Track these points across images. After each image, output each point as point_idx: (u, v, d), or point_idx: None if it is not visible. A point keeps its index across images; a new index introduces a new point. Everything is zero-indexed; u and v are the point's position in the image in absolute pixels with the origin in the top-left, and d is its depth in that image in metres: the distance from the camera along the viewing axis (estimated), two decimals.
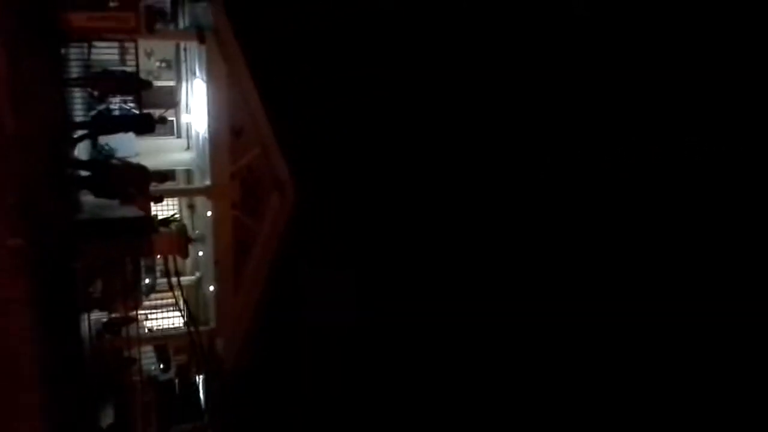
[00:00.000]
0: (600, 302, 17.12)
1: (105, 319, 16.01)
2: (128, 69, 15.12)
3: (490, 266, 18.16)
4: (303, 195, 15.86)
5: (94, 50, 14.47)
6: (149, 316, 18.18)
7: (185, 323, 16.55)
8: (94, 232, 12.44)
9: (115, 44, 14.94)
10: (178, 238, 14.03)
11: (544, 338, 18.09)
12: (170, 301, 17.32)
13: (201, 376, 18.09)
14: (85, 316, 14.84)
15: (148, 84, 15.19)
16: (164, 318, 18.14)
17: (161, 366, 17.69)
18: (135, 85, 14.58)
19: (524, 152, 17.78)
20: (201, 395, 18.16)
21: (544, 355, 18.30)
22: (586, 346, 17.95)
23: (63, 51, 13.36)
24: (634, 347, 17.92)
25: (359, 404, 18.33)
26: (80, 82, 14.15)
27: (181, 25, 17.73)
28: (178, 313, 17.25)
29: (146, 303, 17.87)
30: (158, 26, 15.54)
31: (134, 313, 16.05)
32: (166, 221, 14.59)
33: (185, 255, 15.37)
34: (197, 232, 17.56)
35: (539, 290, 17.82)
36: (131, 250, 13.46)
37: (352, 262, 17.31)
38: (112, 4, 14.42)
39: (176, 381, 17.93)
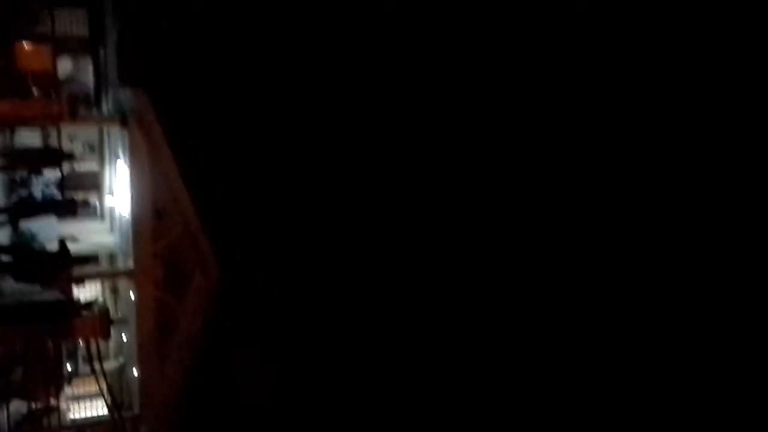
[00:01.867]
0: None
1: (25, 409, 15.65)
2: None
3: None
4: (226, 273, 16.01)
5: (16, 136, 14.60)
6: (71, 404, 17.77)
7: (109, 410, 16.25)
8: (14, 316, 12.33)
9: (38, 129, 15.09)
10: (101, 320, 13.95)
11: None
12: (93, 388, 17.02)
13: None
14: (4, 405, 14.54)
15: (69, 155, 15.36)
16: (87, 406, 17.75)
17: None
18: (57, 157, 14.72)
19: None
20: None
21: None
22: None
23: None
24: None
25: None
26: (3, 166, 14.24)
27: (104, 109, 18.08)
28: (101, 401, 16.92)
29: (68, 390, 17.56)
30: (82, 112, 15.84)
31: (56, 401, 15.74)
32: (89, 304, 14.52)
33: (107, 337, 15.24)
34: (120, 314, 17.42)
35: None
36: (53, 334, 13.34)
37: (276, 342, 17.36)
38: (35, 92, 14.66)
39: None
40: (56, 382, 15.49)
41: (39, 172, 15.05)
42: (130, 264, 16.49)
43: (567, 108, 17.50)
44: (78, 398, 17.78)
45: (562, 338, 17.85)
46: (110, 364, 17.78)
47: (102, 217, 19.05)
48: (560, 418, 17.91)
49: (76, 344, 16.62)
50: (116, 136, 17.48)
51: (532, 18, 17.35)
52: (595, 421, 17.65)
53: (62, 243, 13.84)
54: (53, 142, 15.61)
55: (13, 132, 14.44)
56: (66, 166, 16.23)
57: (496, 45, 17.46)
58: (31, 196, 14.76)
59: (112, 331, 16.74)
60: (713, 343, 16.97)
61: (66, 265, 13.58)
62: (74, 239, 14.94)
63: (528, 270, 17.81)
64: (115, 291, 18.48)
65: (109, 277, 18.15)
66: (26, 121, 14.24)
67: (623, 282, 17.39)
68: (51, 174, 15.49)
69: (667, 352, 17.45)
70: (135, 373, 16.87)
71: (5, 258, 13.37)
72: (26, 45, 14.82)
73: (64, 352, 16.35)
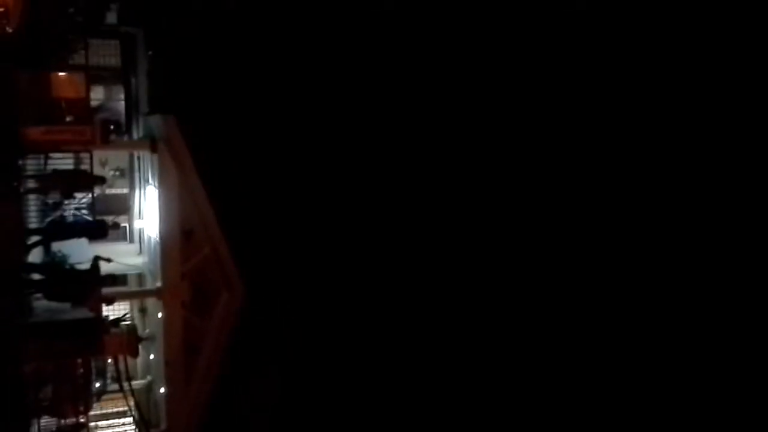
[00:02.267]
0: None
1: (54, 426, 16.04)
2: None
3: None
4: (252, 293, 16.39)
5: (50, 161, 15.18)
6: (100, 422, 18.17)
7: (137, 426, 16.65)
8: (46, 333, 12.81)
9: (71, 155, 15.66)
10: (129, 337, 14.40)
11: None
12: (121, 405, 17.43)
13: None
14: (35, 422, 14.95)
15: (100, 179, 15.88)
16: (115, 423, 18.16)
17: None
18: (89, 180, 15.24)
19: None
20: None
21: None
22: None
23: (20, 162, 14.07)
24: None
25: None
26: (36, 189, 14.81)
27: (135, 135, 18.70)
28: (129, 417, 17.32)
29: (97, 408, 17.96)
30: (113, 137, 16.43)
31: (84, 418, 16.13)
32: (117, 322, 14.98)
33: (136, 354, 15.68)
34: (147, 331, 17.87)
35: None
36: (83, 351, 13.79)
37: (300, 361, 17.62)
38: (68, 118, 15.26)
39: None
40: (85, 399, 15.85)
41: (71, 196, 15.58)
42: (159, 284, 16.96)
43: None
44: (106, 415, 18.18)
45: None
46: (138, 383, 18.21)
47: (131, 239, 19.58)
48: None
49: (105, 362, 17.03)
50: (146, 161, 18.06)
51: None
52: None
53: (95, 262, 14.32)
54: (85, 166, 16.18)
55: (47, 157, 15.02)
56: (97, 190, 16.77)
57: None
58: (63, 218, 15.30)
59: (141, 350, 17.24)
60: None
61: (96, 285, 14.02)
62: (109, 260, 15.37)
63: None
64: (143, 310, 18.94)
65: (138, 296, 18.63)
66: (59, 147, 14.83)
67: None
68: (83, 197, 16.02)
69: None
70: (162, 390, 17.27)
71: (38, 277, 13.91)
72: (61, 74, 15.49)
73: (93, 370, 16.73)
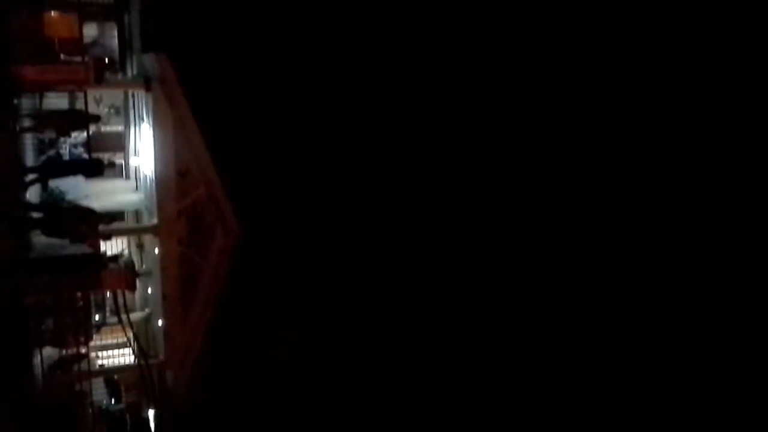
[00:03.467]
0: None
1: (57, 357, 16.65)
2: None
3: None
4: (246, 230, 16.73)
5: (45, 100, 15.34)
6: (100, 352, 18.81)
7: (136, 357, 17.26)
8: (46, 269, 13.24)
9: (65, 94, 15.81)
10: (126, 272, 14.83)
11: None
12: (120, 337, 18.02)
13: (152, 411, 18.68)
14: (38, 352, 15.54)
15: (95, 117, 16.07)
16: (115, 353, 18.80)
17: (112, 399, 18.34)
18: (83, 118, 15.45)
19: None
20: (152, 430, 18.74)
21: None
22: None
23: (15, 101, 14.24)
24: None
25: None
26: (32, 127, 15.03)
27: (129, 73, 18.76)
28: (128, 349, 17.93)
29: (97, 340, 18.58)
30: (107, 76, 16.52)
31: (85, 349, 16.73)
32: (115, 257, 15.40)
33: (133, 288, 16.14)
34: (145, 266, 18.33)
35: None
36: (81, 285, 14.25)
37: (295, 298, 18.04)
38: (62, 57, 15.35)
39: (127, 415, 18.57)
40: (85, 331, 16.41)
41: (67, 134, 15.78)
42: (155, 221, 17.33)
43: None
44: (106, 347, 18.82)
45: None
46: (137, 315, 18.78)
47: (127, 176, 19.87)
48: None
49: (104, 296, 17.54)
50: (140, 99, 18.19)
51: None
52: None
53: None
54: (80, 105, 16.34)
55: (41, 96, 15.17)
56: (92, 128, 16.96)
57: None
58: (59, 156, 15.58)
59: (138, 284, 17.71)
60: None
61: (93, 221, 14.36)
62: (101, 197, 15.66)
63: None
64: (140, 246, 19.36)
65: (135, 233, 19.02)
66: (54, 86, 14.97)
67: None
68: (78, 135, 16.23)
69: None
70: (160, 323, 17.83)
71: (36, 215, 14.26)
72: (53, 13, 15.49)
73: (93, 304, 17.26)
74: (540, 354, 18.37)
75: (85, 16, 17.10)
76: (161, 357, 17.96)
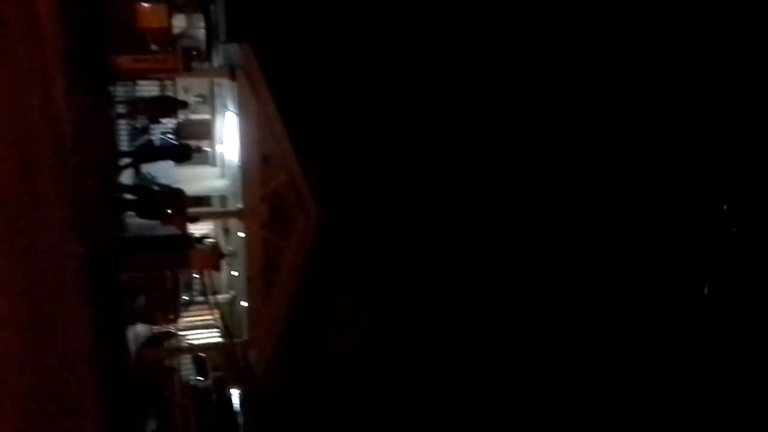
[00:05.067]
0: None
1: (148, 333, 17.49)
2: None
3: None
4: (326, 216, 17.20)
5: (137, 88, 16.11)
6: (188, 331, 19.60)
7: (221, 336, 17.98)
8: (138, 248, 13.99)
9: (156, 82, 16.55)
10: (212, 253, 15.47)
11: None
12: (208, 317, 18.78)
13: (237, 391, 19.36)
14: (131, 328, 16.37)
15: (184, 104, 16.78)
16: (202, 332, 19.58)
17: (199, 376, 19.12)
18: (173, 106, 16.16)
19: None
20: (236, 410, 19.42)
21: None
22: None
23: (111, 90, 15.04)
24: None
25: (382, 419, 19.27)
26: (125, 114, 15.83)
27: (215, 63, 19.42)
28: (215, 328, 18.66)
29: (185, 318, 19.37)
30: (194, 65, 17.21)
31: (174, 326, 17.53)
32: (201, 239, 16.07)
33: (218, 268, 16.81)
34: (230, 249, 19.00)
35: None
36: (171, 264, 14.97)
37: (373, 280, 18.43)
38: (153, 47, 16.07)
39: (213, 392, 19.33)
40: (174, 308, 17.19)
41: (157, 121, 16.53)
42: (239, 206, 17.96)
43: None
44: (194, 326, 19.60)
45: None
46: (223, 297, 19.51)
47: (214, 162, 20.58)
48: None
49: (192, 276, 18.29)
50: (226, 88, 18.82)
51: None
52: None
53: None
54: (170, 92, 17.08)
55: (134, 84, 15.95)
56: (181, 115, 17.69)
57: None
58: (150, 142, 16.30)
59: (224, 267, 18.41)
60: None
61: (182, 204, 15.05)
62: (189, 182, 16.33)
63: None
64: (226, 230, 20.07)
65: (221, 217, 19.73)
66: (145, 74, 15.73)
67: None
68: (168, 122, 16.97)
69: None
70: (244, 304, 18.49)
71: (130, 197, 15.05)
72: (145, 5, 16.23)
73: (182, 284, 18.03)
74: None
75: (174, 8, 17.81)
76: (245, 337, 18.61)
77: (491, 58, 18.47)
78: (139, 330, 17.04)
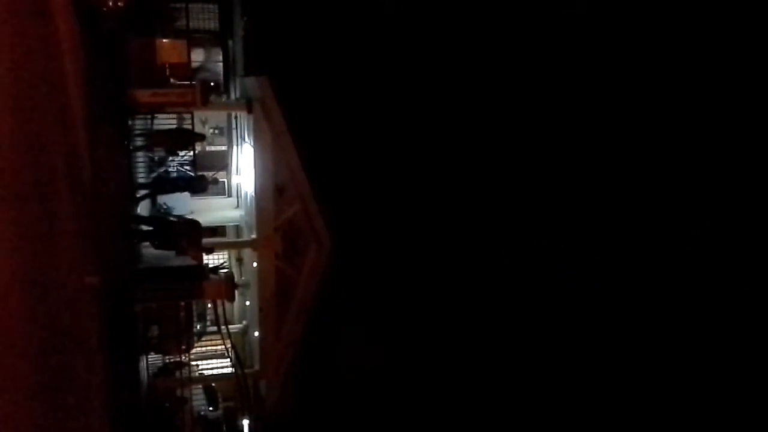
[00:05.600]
0: None
1: (160, 362, 17.63)
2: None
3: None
4: (339, 246, 17.32)
5: (155, 121, 16.43)
6: (200, 361, 19.73)
7: (233, 366, 18.06)
8: (153, 278, 14.15)
9: (174, 115, 16.87)
10: (226, 283, 15.60)
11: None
12: (220, 347, 18.89)
13: (247, 421, 19.39)
14: (144, 358, 16.52)
15: (201, 136, 17.07)
16: (214, 362, 19.71)
17: (210, 406, 19.19)
18: (190, 138, 16.46)
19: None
20: None
21: None
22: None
23: (129, 122, 15.35)
24: None
25: None
26: (143, 146, 16.12)
27: (232, 95, 19.80)
28: (226, 359, 18.76)
29: (198, 348, 19.50)
30: (212, 98, 17.53)
31: (186, 356, 17.64)
32: (216, 269, 16.23)
33: (232, 299, 16.93)
34: (243, 279, 19.17)
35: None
36: (185, 294, 15.12)
37: (385, 314, 18.46)
38: (171, 81, 16.41)
39: (223, 423, 19.39)
40: (187, 339, 17.31)
41: (175, 153, 16.80)
42: (254, 236, 18.16)
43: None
44: (206, 356, 19.73)
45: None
46: (235, 327, 19.64)
47: (229, 193, 20.87)
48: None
49: (205, 306, 18.44)
50: (242, 120, 19.16)
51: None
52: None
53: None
54: (187, 125, 17.39)
55: (153, 117, 16.27)
56: (198, 147, 17.99)
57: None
58: (167, 173, 16.57)
59: (237, 297, 18.58)
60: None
61: (197, 235, 15.22)
62: (205, 213, 16.56)
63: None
64: (240, 260, 20.28)
65: (235, 247, 19.94)
66: (164, 107, 16.05)
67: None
68: (185, 154, 17.25)
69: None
70: (256, 334, 18.60)
71: (146, 228, 15.26)
72: (164, 41, 16.63)
73: (195, 313, 18.18)
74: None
75: (192, 43, 18.22)
76: (257, 367, 18.70)
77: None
78: (152, 360, 17.21)
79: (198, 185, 16.25)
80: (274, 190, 17.84)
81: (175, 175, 16.79)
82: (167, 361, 17.74)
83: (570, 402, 18.50)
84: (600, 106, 17.99)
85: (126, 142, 14.97)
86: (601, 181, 18.18)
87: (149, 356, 17.00)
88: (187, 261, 14.89)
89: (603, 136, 18.11)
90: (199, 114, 18.45)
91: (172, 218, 15.64)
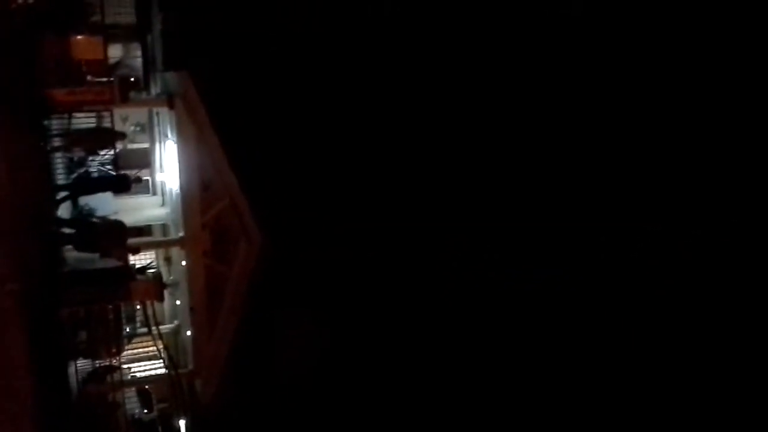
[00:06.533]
0: None
1: (90, 368, 17.19)
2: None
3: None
4: (268, 241, 17.16)
5: (73, 120, 15.95)
6: (132, 364, 19.33)
7: (166, 367, 17.77)
8: (78, 282, 13.80)
9: (93, 113, 16.41)
10: (155, 284, 15.33)
11: None
12: (152, 348, 18.55)
13: (183, 422, 19.13)
14: (72, 364, 16.10)
15: (121, 134, 16.66)
16: (146, 364, 19.33)
17: (144, 409, 18.85)
18: (111, 137, 16.05)
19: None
20: None
21: None
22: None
23: (45, 123, 14.86)
24: None
25: None
26: (61, 147, 15.65)
27: (153, 91, 19.35)
28: (159, 360, 18.43)
29: (128, 350, 19.09)
30: (132, 95, 17.12)
31: (117, 360, 17.26)
32: (143, 270, 15.93)
33: (161, 299, 16.66)
34: (172, 278, 18.84)
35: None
36: (112, 297, 14.79)
37: (318, 306, 18.40)
38: (88, 78, 15.96)
39: (159, 425, 19.07)
40: (117, 342, 16.93)
41: (95, 152, 16.36)
42: (181, 234, 17.85)
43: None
44: (137, 358, 19.34)
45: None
46: (166, 326, 19.30)
47: (154, 191, 20.43)
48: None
49: (134, 308, 18.05)
50: (164, 116, 18.75)
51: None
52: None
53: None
54: (107, 123, 16.94)
55: (70, 116, 15.78)
56: (119, 146, 17.54)
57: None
58: (88, 174, 16.13)
59: (167, 296, 18.25)
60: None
61: (121, 236, 14.91)
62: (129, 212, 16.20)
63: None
64: (168, 259, 19.89)
65: (162, 246, 19.56)
66: (82, 106, 15.59)
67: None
68: (106, 153, 16.82)
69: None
70: (188, 333, 18.32)
71: (68, 231, 14.84)
72: (79, 36, 16.13)
73: (124, 315, 17.77)
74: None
75: (109, 38, 17.73)
76: (190, 367, 18.44)
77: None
78: (81, 365, 16.78)
79: (121, 185, 15.91)
80: (199, 187, 17.55)
81: (96, 175, 16.36)
82: (97, 365, 17.33)
83: (513, 387, 18.70)
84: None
85: (42, 143, 14.50)
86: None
87: (78, 362, 16.59)
88: (112, 262, 14.57)
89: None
90: (118, 111, 17.96)
91: (94, 219, 15.26)
